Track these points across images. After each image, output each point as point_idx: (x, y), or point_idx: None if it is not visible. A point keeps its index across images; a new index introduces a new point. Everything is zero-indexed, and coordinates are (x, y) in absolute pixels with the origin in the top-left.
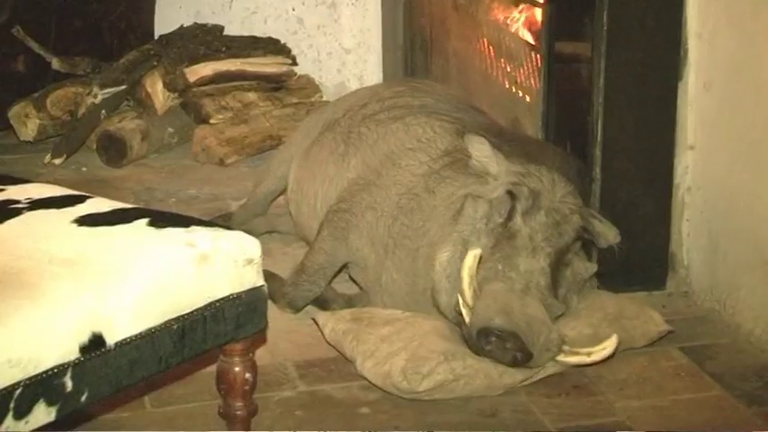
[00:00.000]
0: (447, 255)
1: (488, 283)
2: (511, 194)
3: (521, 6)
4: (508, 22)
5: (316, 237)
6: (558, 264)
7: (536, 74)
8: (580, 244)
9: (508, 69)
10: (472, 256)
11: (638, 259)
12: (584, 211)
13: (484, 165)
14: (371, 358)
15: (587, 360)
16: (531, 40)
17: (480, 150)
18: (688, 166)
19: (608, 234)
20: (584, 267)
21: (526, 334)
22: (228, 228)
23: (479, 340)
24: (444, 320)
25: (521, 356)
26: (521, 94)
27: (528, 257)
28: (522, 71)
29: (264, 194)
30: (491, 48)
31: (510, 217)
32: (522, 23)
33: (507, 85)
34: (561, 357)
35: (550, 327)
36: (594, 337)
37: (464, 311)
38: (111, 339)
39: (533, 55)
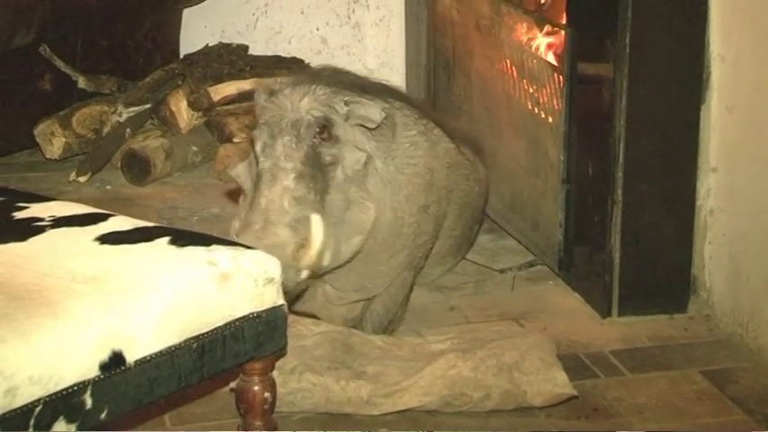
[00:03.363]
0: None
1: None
2: (252, 141)
3: (543, 28)
4: (531, 43)
5: None
6: (314, 171)
7: (558, 95)
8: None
9: (531, 90)
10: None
11: (660, 282)
12: (332, 105)
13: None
14: None
15: (311, 253)
16: (553, 61)
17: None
18: (710, 189)
19: (370, 114)
20: (352, 158)
21: None
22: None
23: None
24: (341, 328)
25: None
26: (543, 115)
27: (268, 189)
28: (544, 92)
29: None
30: (514, 69)
31: (257, 161)
32: (545, 45)
33: (530, 106)
34: (302, 264)
35: (284, 244)
36: (474, 381)
37: None
38: (130, 357)
39: (556, 76)
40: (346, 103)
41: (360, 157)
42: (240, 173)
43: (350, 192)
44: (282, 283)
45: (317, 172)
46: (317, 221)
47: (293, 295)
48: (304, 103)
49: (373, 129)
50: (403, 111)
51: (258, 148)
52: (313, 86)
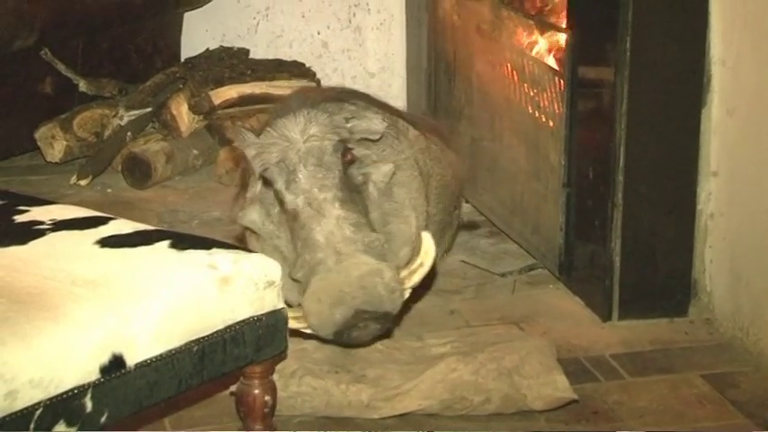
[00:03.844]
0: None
1: (307, 280)
2: (265, 180)
3: (544, 32)
4: (531, 47)
5: None
6: (351, 195)
7: (559, 99)
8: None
9: (531, 94)
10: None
11: (660, 286)
12: (338, 126)
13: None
14: None
15: (425, 270)
16: (554, 65)
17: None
18: (711, 193)
19: (372, 126)
20: (381, 173)
21: (369, 301)
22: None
23: (341, 341)
24: None
25: (381, 323)
26: (544, 119)
27: (318, 223)
28: (545, 96)
29: None
30: (514, 72)
31: (281, 200)
32: (546, 48)
33: (530, 110)
34: (408, 284)
35: (380, 270)
36: (474, 385)
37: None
38: (131, 361)
39: (557, 80)
40: (347, 120)
41: (388, 169)
42: (255, 218)
43: (384, 206)
44: (389, 311)
45: (354, 195)
46: (428, 237)
47: (394, 317)
48: (314, 131)
49: (377, 140)
50: (370, 110)
51: (281, 186)
52: (310, 112)
